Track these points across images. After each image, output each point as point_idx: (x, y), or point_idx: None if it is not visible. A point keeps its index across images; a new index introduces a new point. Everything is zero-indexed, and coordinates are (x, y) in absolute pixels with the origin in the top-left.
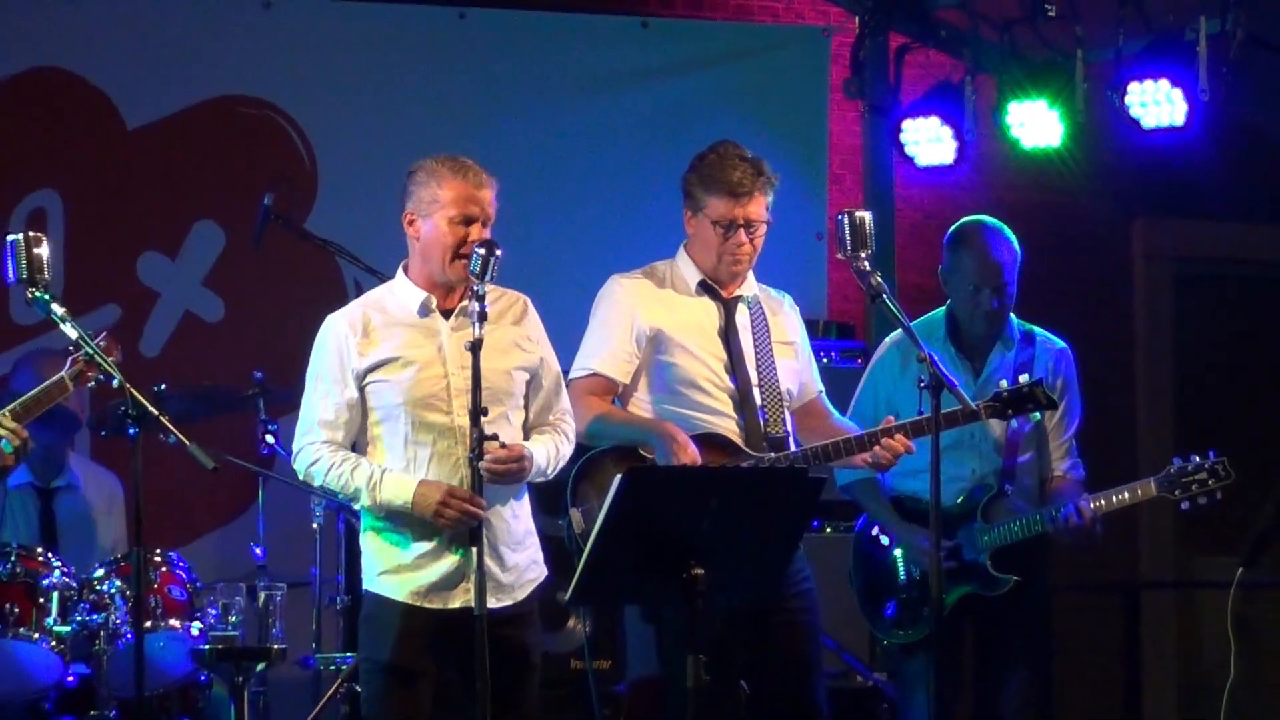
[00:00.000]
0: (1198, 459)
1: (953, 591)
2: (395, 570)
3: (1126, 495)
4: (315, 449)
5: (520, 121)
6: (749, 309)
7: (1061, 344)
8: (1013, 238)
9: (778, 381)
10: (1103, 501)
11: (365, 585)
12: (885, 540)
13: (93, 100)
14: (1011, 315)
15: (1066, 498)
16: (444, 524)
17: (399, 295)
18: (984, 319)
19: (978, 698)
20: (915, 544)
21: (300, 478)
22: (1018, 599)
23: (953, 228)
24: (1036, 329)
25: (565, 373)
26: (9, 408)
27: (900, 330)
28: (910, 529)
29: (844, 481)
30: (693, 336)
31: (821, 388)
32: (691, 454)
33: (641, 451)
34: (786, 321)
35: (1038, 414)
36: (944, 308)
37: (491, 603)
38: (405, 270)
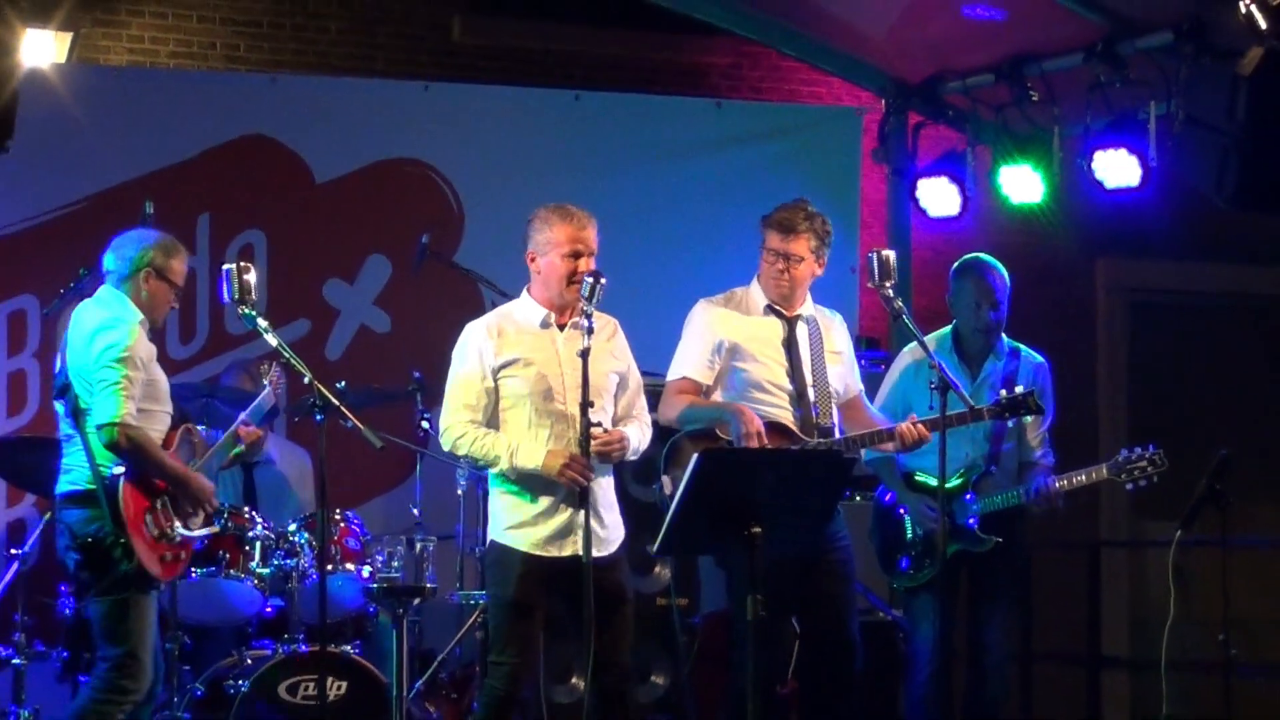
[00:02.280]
0: (1140, 450)
1: (949, 547)
2: (518, 525)
3: (1084, 478)
4: (461, 426)
5: (621, 179)
6: (807, 325)
7: (1040, 359)
8: (1003, 269)
9: (828, 383)
10: (1065, 482)
11: (491, 535)
12: (901, 510)
13: (289, 160)
14: (1003, 334)
15: (1038, 478)
16: (564, 481)
17: (525, 310)
18: (982, 332)
19: (969, 629)
20: (919, 509)
21: (446, 448)
22: (999, 555)
23: (957, 262)
24: (1022, 346)
25: (651, 374)
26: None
27: (915, 345)
28: (916, 497)
29: (868, 459)
30: (760, 348)
31: (862, 388)
32: (757, 424)
33: (718, 432)
34: (837, 335)
35: (1029, 417)
36: (950, 326)
37: (595, 553)
38: (529, 292)
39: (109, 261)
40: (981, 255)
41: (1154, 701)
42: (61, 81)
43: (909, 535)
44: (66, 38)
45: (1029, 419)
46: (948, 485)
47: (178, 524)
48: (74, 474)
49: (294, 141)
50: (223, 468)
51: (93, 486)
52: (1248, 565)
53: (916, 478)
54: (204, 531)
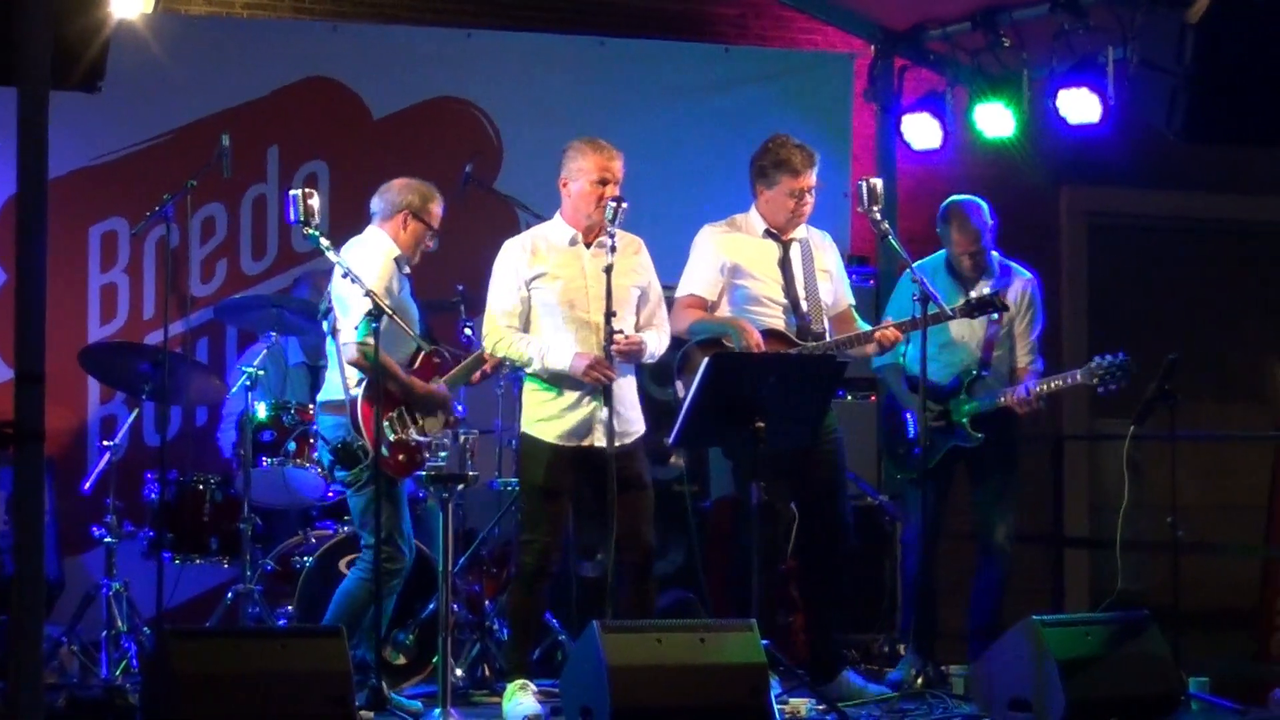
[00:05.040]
0: (1110, 357)
1: (945, 444)
2: (545, 419)
3: (1060, 383)
4: (500, 330)
5: (640, 115)
6: (800, 247)
7: (1028, 274)
8: (985, 209)
9: (819, 297)
10: (1043, 387)
11: (522, 427)
12: (906, 413)
13: (349, 99)
14: (992, 253)
15: (1022, 383)
16: (588, 380)
17: (556, 230)
18: (970, 268)
19: (975, 518)
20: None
21: (487, 350)
22: (993, 449)
23: (944, 204)
24: (1012, 263)
25: (666, 285)
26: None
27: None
28: (917, 399)
29: (877, 365)
30: (759, 267)
31: (853, 301)
32: (756, 337)
33: (724, 342)
34: (826, 254)
35: (994, 314)
36: (943, 251)
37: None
38: (561, 214)
39: (375, 204)
40: (965, 198)
41: (1110, 576)
42: (148, 30)
43: (911, 434)
44: None
45: (1018, 328)
46: (946, 387)
47: (412, 429)
48: (329, 385)
49: (353, 82)
50: (470, 383)
51: (343, 397)
52: (1192, 457)
53: (917, 381)
54: (438, 435)
